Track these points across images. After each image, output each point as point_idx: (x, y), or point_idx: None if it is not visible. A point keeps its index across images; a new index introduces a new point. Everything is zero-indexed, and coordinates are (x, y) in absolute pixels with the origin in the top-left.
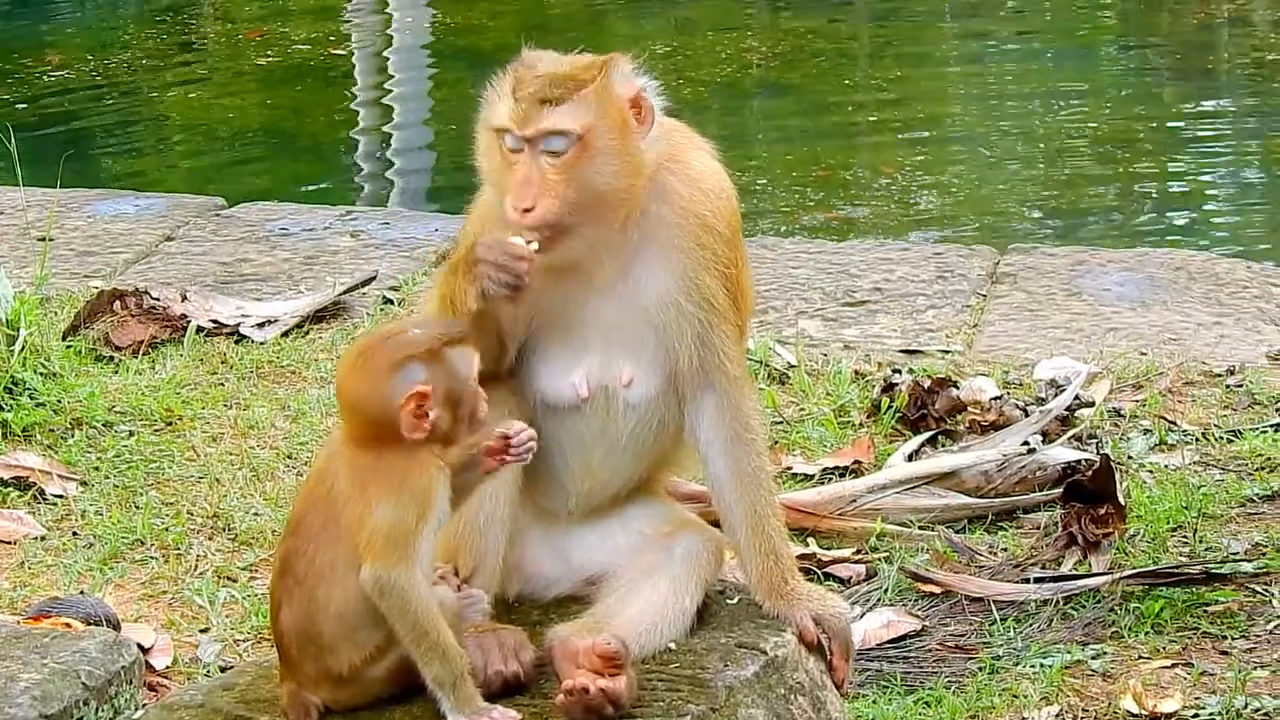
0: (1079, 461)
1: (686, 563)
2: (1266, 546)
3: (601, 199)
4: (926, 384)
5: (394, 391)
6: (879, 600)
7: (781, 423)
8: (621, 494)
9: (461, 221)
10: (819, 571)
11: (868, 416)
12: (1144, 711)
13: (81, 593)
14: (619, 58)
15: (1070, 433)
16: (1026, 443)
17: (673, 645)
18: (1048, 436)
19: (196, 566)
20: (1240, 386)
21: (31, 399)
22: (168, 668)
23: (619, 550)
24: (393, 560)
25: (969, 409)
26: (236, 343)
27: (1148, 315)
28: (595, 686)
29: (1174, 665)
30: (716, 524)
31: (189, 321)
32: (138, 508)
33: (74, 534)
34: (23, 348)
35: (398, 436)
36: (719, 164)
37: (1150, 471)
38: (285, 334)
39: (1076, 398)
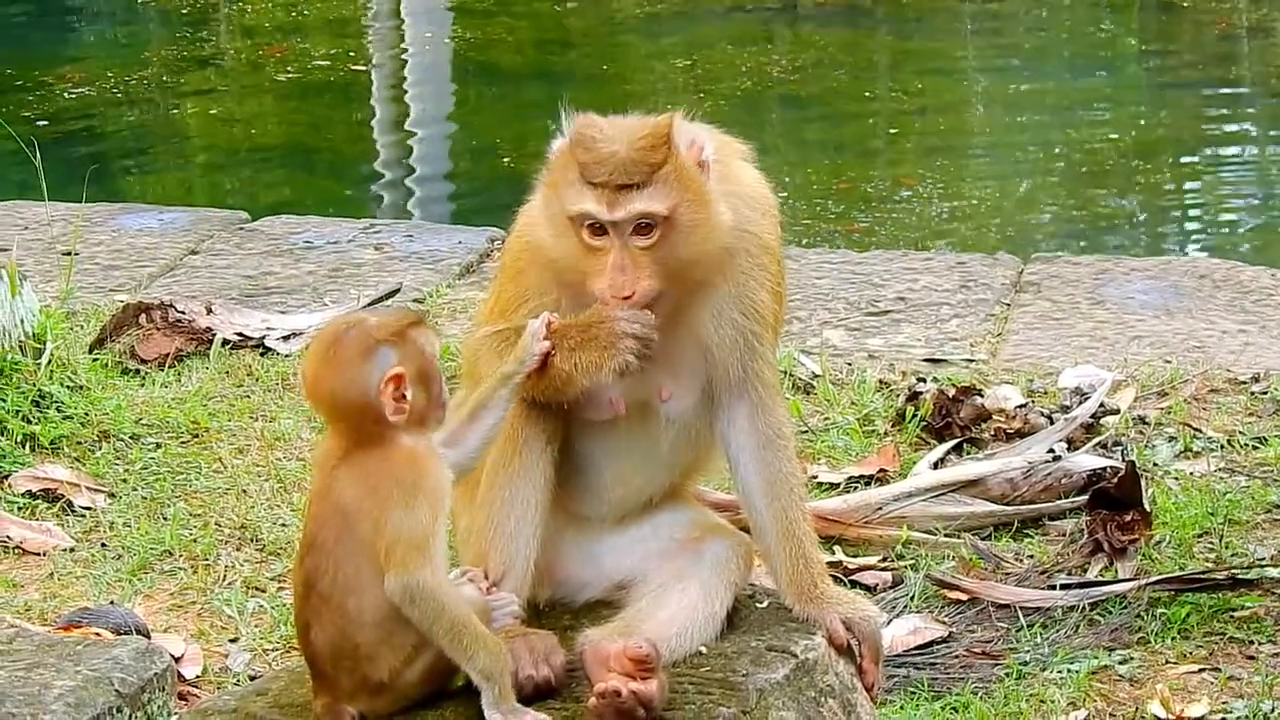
0: (1104, 468)
1: (716, 567)
2: None
3: (693, 263)
4: (951, 392)
5: (370, 376)
6: (905, 607)
7: (807, 432)
8: (653, 500)
9: (486, 233)
10: (846, 579)
11: (893, 425)
12: (1171, 716)
13: (111, 603)
14: (677, 122)
15: (1095, 440)
16: (1052, 450)
17: (703, 649)
18: (1073, 444)
19: (225, 577)
20: (1265, 393)
21: (59, 412)
22: (198, 677)
23: (649, 555)
24: (417, 564)
25: (994, 417)
26: (262, 355)
27: (1172, 323)
28: (627, 690)
29: (1201, 670)
30: (745, 530)
31: (214, 334)
32: (166, 519)
33: (103, 545)
34: (49, 361)
35: (381, 423)
36: (758, 171)
37: (1175, 478)
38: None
39: (1101, 405)
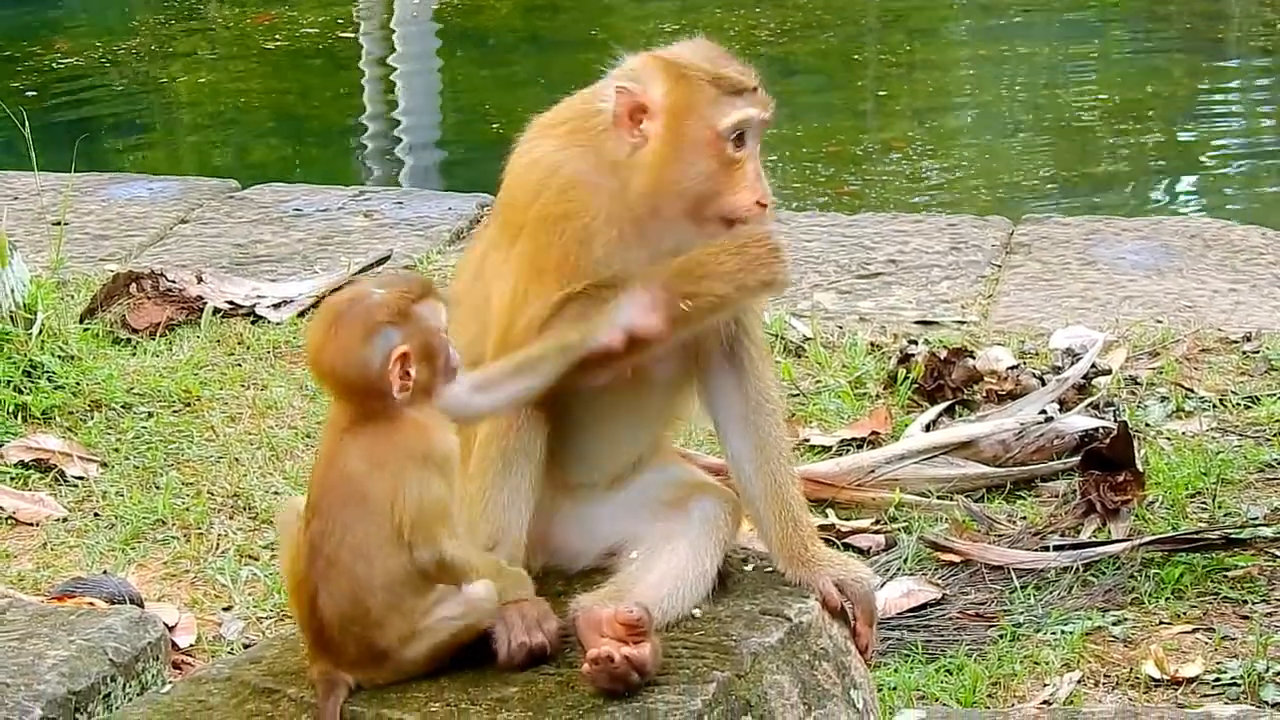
0: (1097, 429)
1: (704, 525)
2: None
3: None
4: (943, 354)
5: (374, 358)
6: (899, 570)
7: (798, 395)
8: (641, 459)
9: (476, 199)
10: (839, 542)
11: (884, 388)
12: (1165, 676)
13: (104, 573)
14: None
15: (1087, 401)
16: (1044, 411)
17: (697, 612)
18: (1065, 405)
19: (218, 545)
20: (1257, 353)
21: (50, 381)
22: (191, 646)
23: (639, 519)
24: (443, 536)
25: (985, 379)
26: (253, 323)
27: (1163, 283)
28: (620, 655)
29: (1194, 630)
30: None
31: (205, 303)
32: (158, 488)
33: (95, 515)
34: (40, 331)
35: (386, 399)
36: None
37: (1168, 438)
38: (301, 314)
39: (1093, 366)
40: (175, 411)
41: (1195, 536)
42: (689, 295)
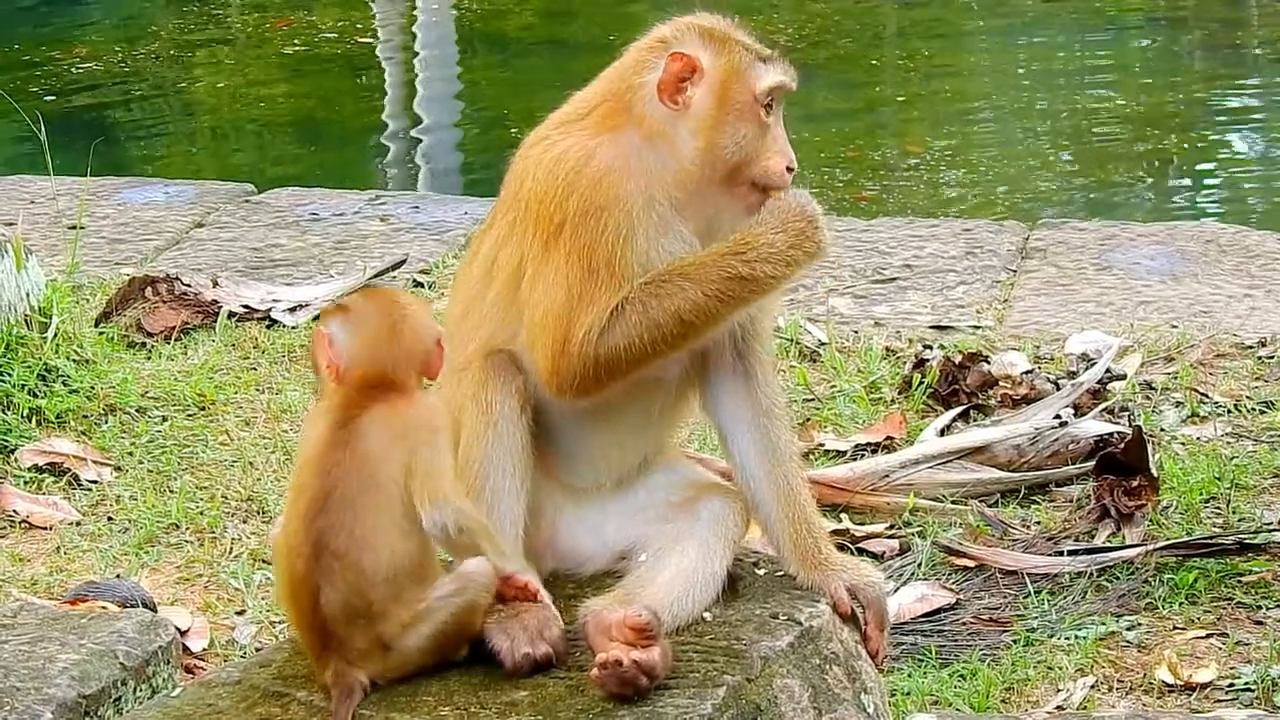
0: (1111, 434)
1: (713, 525)
2: None
3: None
4: (958, 359)
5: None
6: (913, 575)
7: (813, 400)
8: (646, 460)
9: (493, 204)
10: (853, 547)
11: (899, 392)
12: (1179, 681)
13: (118, 577)
14: None
15: (1102, 406)
16: (1058, 416)
17: (707, 616)
18: (1079, 410)
19: (231, 550)
20: (1272, 358)
21: (65, 386)
22: (204, 650)
23: (648, 521)
24: (456, 494)
25: (1000, 384)
26: (268, 327)
27: (1178, 288)
28: (628, 659)
29: (1208, 635)
30: None
31: (220, 307)
32: (172, 492)
33: (109, 519)
34: (55, 335)
35: (414, 377)
36: None
37: (1182, 443)
38: (316, 318)
39: (1108, 371)
40: (189, 415)
41: (1209, 541)
42: (744, 277)
